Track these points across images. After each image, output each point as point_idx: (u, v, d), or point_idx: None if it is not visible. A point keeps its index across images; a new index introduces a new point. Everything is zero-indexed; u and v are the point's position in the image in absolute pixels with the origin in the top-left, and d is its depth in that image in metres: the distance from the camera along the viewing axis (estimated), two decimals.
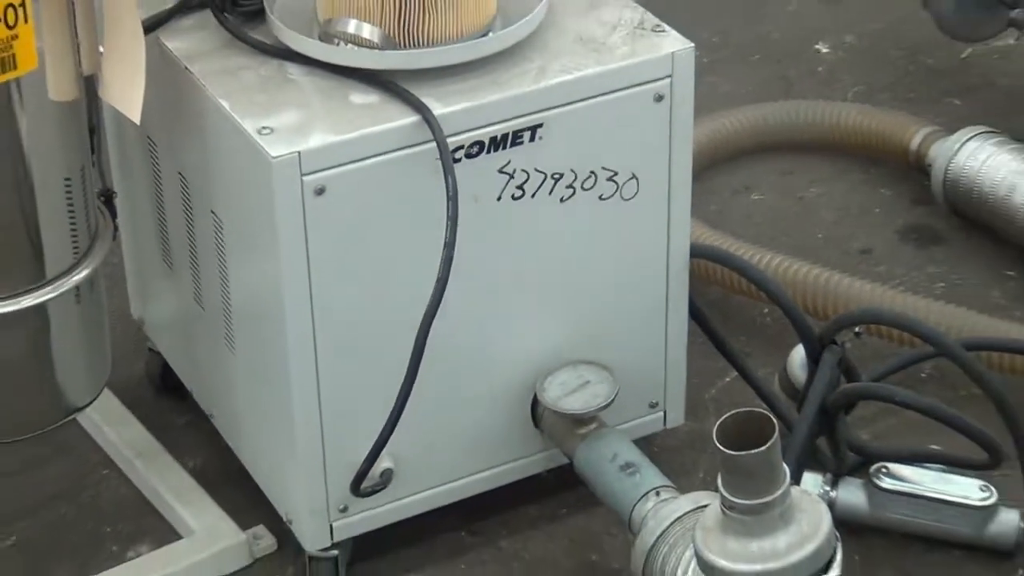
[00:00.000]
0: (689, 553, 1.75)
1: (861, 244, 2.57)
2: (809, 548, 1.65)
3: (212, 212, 1.92)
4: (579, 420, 1.97)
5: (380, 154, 1.79)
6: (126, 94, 1.79)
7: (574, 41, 1.92)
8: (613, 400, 1.96)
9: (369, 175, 1.79)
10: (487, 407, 2.00)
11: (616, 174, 1.92)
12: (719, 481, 1.67)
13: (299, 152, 1.74)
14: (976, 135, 2.52)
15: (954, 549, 2.05)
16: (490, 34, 1.88)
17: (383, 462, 1.91)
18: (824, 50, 2.98)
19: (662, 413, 2.12)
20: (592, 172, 1.91)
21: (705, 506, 1.79)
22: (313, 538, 1.97)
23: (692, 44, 1.93)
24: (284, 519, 2.03)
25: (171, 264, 2.10)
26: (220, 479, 2.15)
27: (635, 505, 1.88)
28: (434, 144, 1.78)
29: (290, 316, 1.81)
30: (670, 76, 1.91)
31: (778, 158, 2.70)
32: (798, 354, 2.15)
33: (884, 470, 2.04)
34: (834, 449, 2.09)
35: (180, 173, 1.98)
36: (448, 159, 1.76)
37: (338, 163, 1.77)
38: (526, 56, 1.88)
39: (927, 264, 2.53)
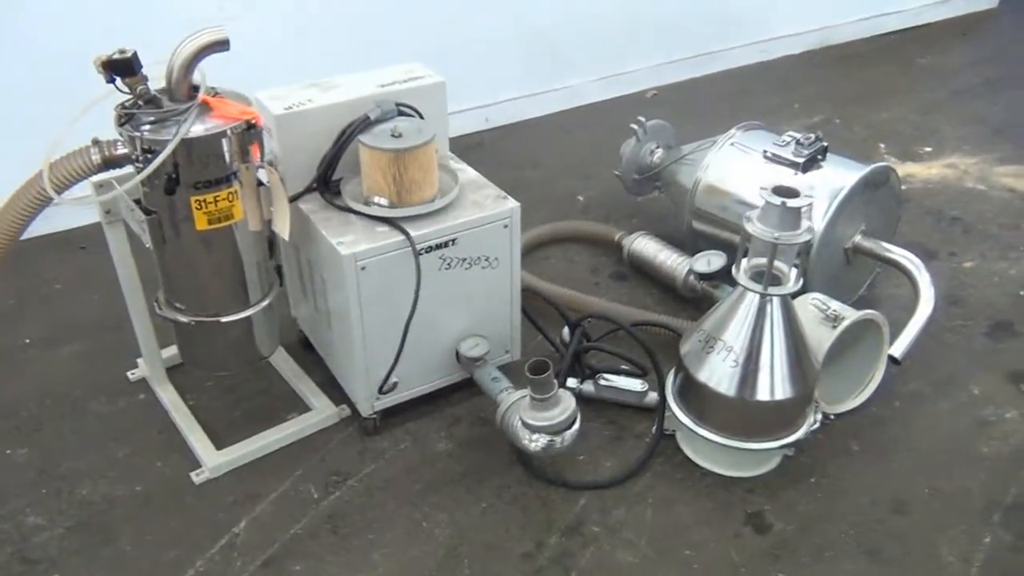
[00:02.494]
0: (516, 415, 1.74)
1: (596, 280, 2.54)
2: (567, 414, 1.69)
3: (321, 275, 1.90)
4: (476, 359, 1.94)
5: (388, 252, 1.78)
6: (283, 227, 1.77)
7: (470, 203, 1.89)
8: (487, 353, 1.95)
9: (384, 261, 1.78)
10: (437, 354, 1.96)
11: (489, 258, 1.91)
12: (528, 388, 1.66)
13: (354, 252, 1.74)
14: (641, 234, 2.51)
15: (630, 409, 2.04)
16: (436, 200, 1.85)
17: (392, 379, 1.89)
18: (581, 199, 2.95)
19: (510, 354, 2.08)
20: (479, 257, 1.89)
21: (522, 397, 1.78)
22: (365, 409, 1.95)
23: (519, 203, 1.90)
24: (352, 401, 2.01)
25: (305, 294, 2.08)
26: (326, 385, 2.10)
27: (497, 395, 1.86)
28: (410, 248, 1.76)
29: (353, 317, 1.81)
30: (510, 217, 1.89)
31: (561, 246, 2.68)
32: (566, 328, 2.13)
33: (602, 377, 2.03)
34: (581, 369, 2.08)
35: (308, 259, 1.95)
36: (416, 254, 1.77)
37: (371, 256, 1.76)
38: (450, 210, 1.86)
39: (622, 288, 2.50)
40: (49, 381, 2.16)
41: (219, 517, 1.79)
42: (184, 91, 1.63)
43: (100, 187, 1.81)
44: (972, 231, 2.72)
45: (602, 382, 2.02)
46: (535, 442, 1.69)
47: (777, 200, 1.62)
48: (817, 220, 2.10)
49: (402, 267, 1.78)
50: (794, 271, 1.73)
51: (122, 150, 1.63)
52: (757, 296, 1.73)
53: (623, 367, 2.07)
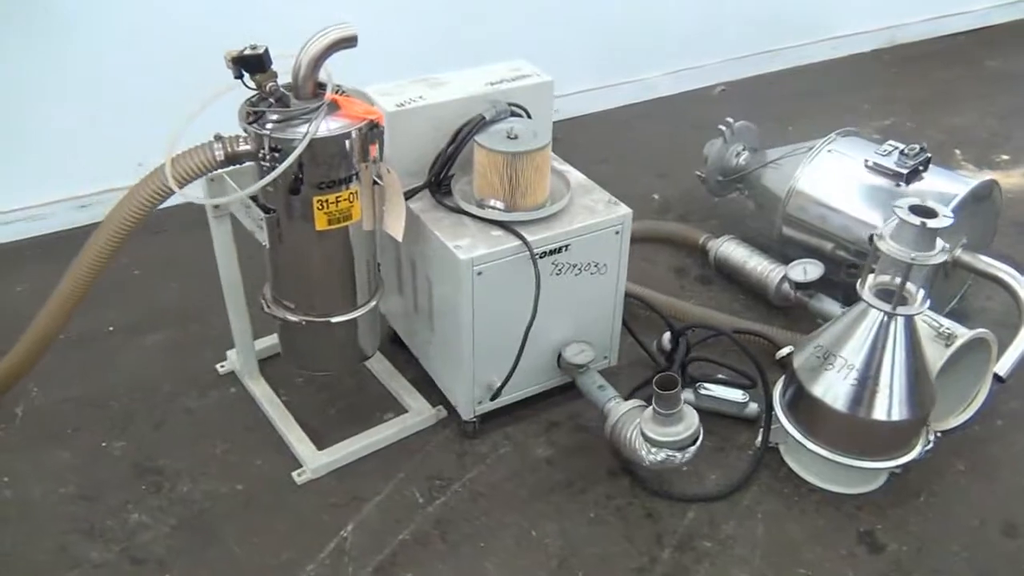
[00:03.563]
0: (631, 429, 1.73)
1: (683, 284, 2.51)
2: (691, 431, 1.66)
3: (427, 276, 1.88)
4: (580, 366, 1.92)
5: (504, 257, 1.75)
6: (397, 228, 1.74)
7: (582, 208, 1.87)
8: (592, 360, 1.93)
9: (500, 266, 1.75)
10: (540, 359, 1.93)
11: (599, 264, 1.89)
12: (653, 400, 1.64)
13: (472, 257, 1.71)
14: (728, 238, 2.49)
15: (729, 419, 2.02)
16: (547, 204, 1.82)
17: (496, 384, 1.87)
18: (656, 197, 2.91)
19: (608, 360, 2.06)
20: (590, 263, 1.87)
21: (635, 407, 1.77)
22: (466, 413, 1.93)
23: (631, 210, 1.88)
24: (453, 403, 1.97)
25: (401, 292, 2.05)
26: (419, 383, 2.07)
27: (604, 404, 1.84)
28: (527, 253, 1.74)
29: (464, 321, 1.79)
30: (622, 224, 1.87)
31: (640, 245, 2.61)
32: (666, 335, 2.12)
33: (702, 387, 2.01)
34: (685, 378, 2.06)
35: (412, 259, 1.93)
36: (535, 259, 1.74)
37: (487, 261, 1.74)
38: (563, 216, 1.84)
39: (708, 292, 2.47)
40: (137, 371, 2.14)
41: (324, 520, 1.77)
42: (310, 89, 1.59)
43: (211, 181, 1.79)
44: None
45: (703, 391, 2.00)
46: (653, 455, 1.67)
47: (916, 220, 1.59)
48: None
49: (517, 273, 1.75)
50: (921, 292, 1.70)
51: (244, 147, 1.60)
52: (881, 315, 1.71)
53: (719, 376, 2.06)
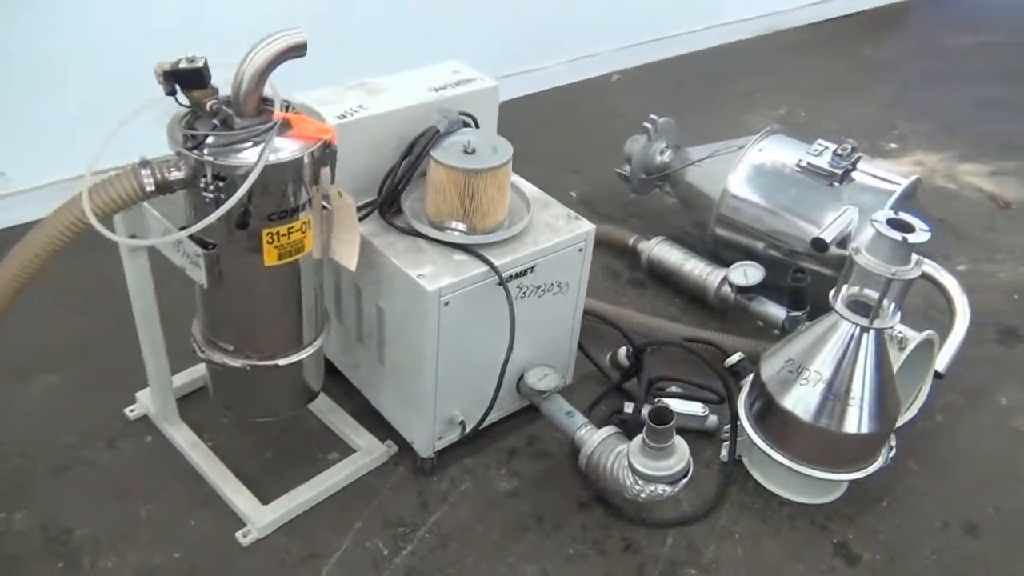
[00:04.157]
0: (611, 460, 1.64)
1: (616, 288, 2.44)
2: (682, 464, 1.58)
3: (377, 305, 1.71)
4: (543, 392, 1.79)
5: (471, 285, 1.61)
6: (351, 257, 1.56)
7: (544, 226, 1.75)
8: (556, 385, 1.81)
9: (467, 293, 1.62)
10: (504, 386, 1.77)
11: (561, 283, 1.78)
12: (644, 433, 1.55)
13: (439, 287, 1.56)
14: (660, 240, 2.43)
15: (692, 433, 1.93)
16: (511, 224, 1.69)
17: (458, 417, 1.74)
18: (574, 195, 2.81)
19: (564, 379, 1.91)
20: (552, 283, 1.76)
21: (611, 435, 1.69)
22: (424, 450, 1.78)
23: (594, 225, 1.77)
24: (408, 439, 1.81)
25: (341, 319, 1.85)
26: (362, 416, 1.90)
27: (575, 432, 1.74)
28: (494, 278, 1.61)
29: (427, 354, 1.64)
30: (586, 240, 1.76)
31: None
32: (622, 350, 2.04)
33: (662, 402, 1.89)
34: (649, 394, 1.94)
35: (357, 285, 1.74)
36: (506, 286, 1.62)
37: (454, 290, 1.59)
38: (525, 236, 1.71)
39: (643, 296, 2.41)
40: (28, 422, 1.85)
41: None
42: (253, 105, 1.38)
43: (128, 209, 1.54)
44: (958, 233, 2.79)
45: None
46: (640, 488, 1.58)
47: (898, 235, 1.57)
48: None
49: (483, 300, 1.62)
50: (893, 305, 1.69)
51: (177, 174, 1.37)
52: (853, 328, 1.68)
53: (673, 388, 2.00)
